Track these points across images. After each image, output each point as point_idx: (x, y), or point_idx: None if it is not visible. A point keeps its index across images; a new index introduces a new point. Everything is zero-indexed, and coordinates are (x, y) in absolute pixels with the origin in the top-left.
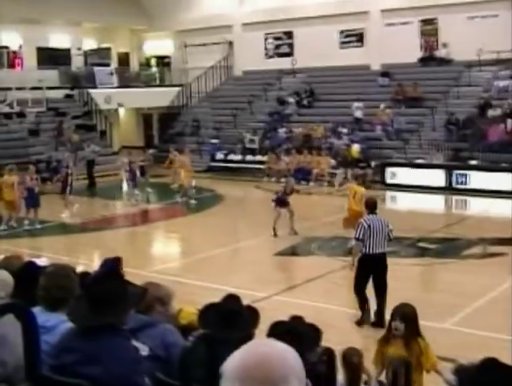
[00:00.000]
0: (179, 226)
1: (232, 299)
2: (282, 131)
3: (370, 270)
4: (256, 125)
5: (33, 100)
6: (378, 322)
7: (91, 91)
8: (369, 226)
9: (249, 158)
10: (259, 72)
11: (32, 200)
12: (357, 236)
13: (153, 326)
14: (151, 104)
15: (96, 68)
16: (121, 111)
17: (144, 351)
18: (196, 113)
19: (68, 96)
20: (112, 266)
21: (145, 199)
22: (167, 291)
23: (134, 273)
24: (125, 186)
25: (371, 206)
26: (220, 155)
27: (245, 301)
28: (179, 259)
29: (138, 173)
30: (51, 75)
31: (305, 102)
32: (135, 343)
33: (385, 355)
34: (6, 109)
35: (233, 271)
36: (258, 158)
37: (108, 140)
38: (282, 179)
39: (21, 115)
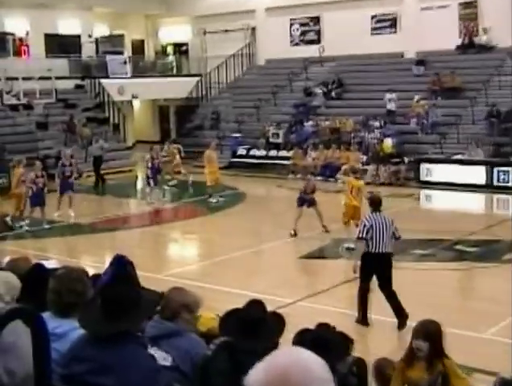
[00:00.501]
0: (197, 226)
1: (255, 305)
2: (308, 124)
3: (373, 269)
4: (280, 117)
5: (41, 91)
6: (402, 323)
7: (103, 81)
8: (372, 225)
9: (272, 153)
10: (284, 61)
11: (37, 199)
12: (360, 234)
13: (178, 334)
14: (168, 96)
15: (108, 57)
16: (136, 103)
17: (166, 360)
18: (216, 105)
19: (78, 87)
20: (123, 264)
21: (162, 198)
22: (195, 298)
23: (148, 277)
24: (143, 184)
25: (375, 203)
26: (241, 150)
27: (268, 308)
28: (198, 262)
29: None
30: (60, 65)
31: (333, 93)
32: (157, 352)
33: (407, 379)
34: (13, 101)
35: (256, 275)
36: (283, 153)
37: (121, 134)
38: (309, 176)
39: (28, 107)
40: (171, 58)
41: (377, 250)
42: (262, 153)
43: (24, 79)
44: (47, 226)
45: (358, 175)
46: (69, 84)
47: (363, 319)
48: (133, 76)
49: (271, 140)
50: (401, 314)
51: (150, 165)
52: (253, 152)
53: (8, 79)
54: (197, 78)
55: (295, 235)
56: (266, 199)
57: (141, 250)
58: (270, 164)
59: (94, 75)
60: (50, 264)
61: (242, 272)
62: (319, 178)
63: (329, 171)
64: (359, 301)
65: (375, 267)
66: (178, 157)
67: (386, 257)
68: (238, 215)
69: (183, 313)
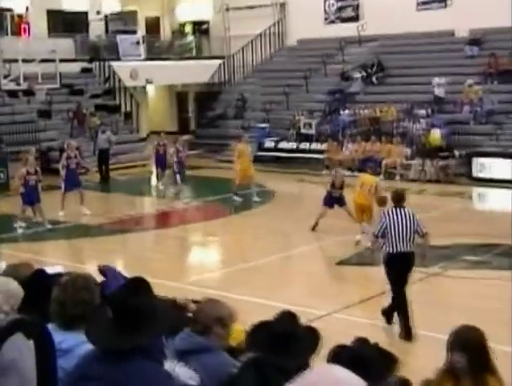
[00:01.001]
0: (220, 228)
1: (286, 317)
2: (345, 113)
3: (398, 269)
4: (313, 105)
5: (43, 75)
6: (388, 321)
7: (113, 64)
8: (390, 221)
9: (304, 146)
10: (318, 41)
11: (29, 197)
12: (376, 232)
13: (209, 351)
14: (187, 81)
15: (119, 37)
16: (150, 89)
17: (193, 380)
18: (241, 92)
19: (85, 71)
20: (114, 276)
21: (180, 195)
22: (229, 311)
23: (166, 285)
24: (163, 180)
25: (396, 198)
26: (269, 143)
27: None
28: (221, 268)
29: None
30: (65, 45)
31: (374, 78)
32: (183, 368)
33: None
34: (11, 86)
35: (285, 283)
36: (316, 146)
37: (134, 124)
38: (336, 169)
39: (29, 93)
40: (190, 38)
41: (396, 249)
42: (293, 145)
43: (24, 61)
44: (49, 226)
45: (372, 171)
46: (75, 67)
47: (406, 332)
48: (147, 59)
49: (303, 131)
50: (387, 316)
51: (175, 159)
52: (283, 144)
53: (6, 61)
54: (219, 61)
55: (314, 229)
56: (297, 197)
57: (157, 255)
58: (302, 158)
59: (103, 57)
60: (54, 270)
61: (270, 280)
62: (356, 173)
63: (368, 166)
64: (398, 312)
65: (399, 267)
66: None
67: (407, 257)
68: (266, 215)
69: (215, 327)
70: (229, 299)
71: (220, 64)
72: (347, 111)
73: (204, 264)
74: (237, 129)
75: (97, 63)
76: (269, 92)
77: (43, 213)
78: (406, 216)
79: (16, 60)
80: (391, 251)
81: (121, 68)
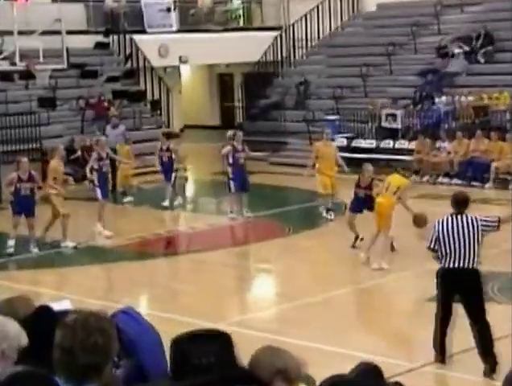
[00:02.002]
0: (274, 252)
1: (369, 372)
2: (441, 101)
3: (451, 290)
4: (399, 91)
5: (46, 52)
6: (490, 368)
7: (137, 38)
8: (444, 230)
9: (386, 144)
10: (404, 5)
11: (19, 206)
12: (429, 243)
13: None
14: (232, 60)
15: (144, 1)
16: (185, 70)
17: None
18: (303, 73)
19: (100, 46)
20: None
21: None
22: (295, 361)
23: (205, 327)
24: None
25: (457, 202)
26: (340, 140)
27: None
28: (275, 304)
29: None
30: (74, 13)
31: (480, 54)
32: None
33: None
34: (4, 66)
35: (359, 325)
36: (402, 144)
37: (163, 115)
38: (442, 179)
39: (27, 75)
40: (236, 3)
41: (452, 264)
42: (371, 143)
43: (21, 33)
44: (35, 250)
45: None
46: (87, 41)
47: (440, 355)
48: (180, 31)
49: (384, 124)
50: (488, 360)
51: (231, 160)
52: (358, 142)
53: None
54: (275, 33)
55: (354, 246)
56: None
57: (190, 286)
58: (383, 160)
59: (123, 28)
60: (60, 306)
61: (341, 320)
62: (456, 180)
63: (473, 171)
64: (434, 332)
65: (454, 288)
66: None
67: (468, 274)
68: (335, 235)
69: (276, 381)
70: (287, 344)
71: (275, 38)
72: (444, 98)
73: (252, 299)
74: (297, 123)
75: (116, 37)
76: (339, 73)
77: (33, 231)
78: (466, 225)
79: (11, 32)
80: (446, 265)
81: (147, 43)
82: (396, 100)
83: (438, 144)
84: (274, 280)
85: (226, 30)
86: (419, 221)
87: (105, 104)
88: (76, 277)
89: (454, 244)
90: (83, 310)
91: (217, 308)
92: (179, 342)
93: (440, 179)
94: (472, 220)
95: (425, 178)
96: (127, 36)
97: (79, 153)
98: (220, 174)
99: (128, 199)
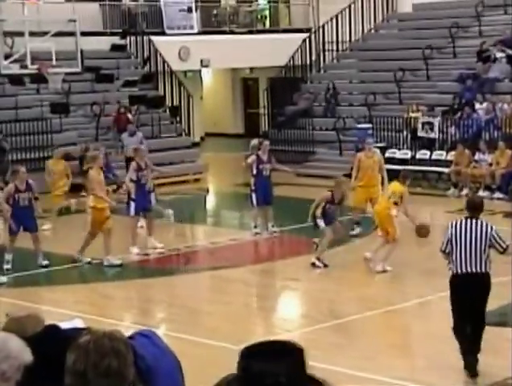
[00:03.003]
0: (302, 270)
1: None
2: (482, 108)
3: (463, 296)
4: (436, 98)
5: (58, 55)
6: (470, 373)
7: (155, 40)
8: (457, 233)
9: (422, 155)
10: (442, 6)
11: (18, 219)
12: (442, 247)
13: None
14: (257, 64)
15: (163, 1)
16: (207, 74)
17: None
18: (333, 78)
19: (116, 48)
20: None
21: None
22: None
23: (226, 349)
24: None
25: (471, 206)
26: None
27: None
28: (300, 327)
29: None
30: (89, 13)
31: None
32: None
33: None
34: (14, 69)
35: (394, 350)
36: (439, 155)
37: (183, 123)
38: (483, 193)
39: (38, 79)
40: (262, 3)
41: (461, 269)
42: (406, 154)
43: (32, 34)
44: (44, 262)
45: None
46: (103, 43)
47: (469, 369)
48: (202, 33)
49: (421, 134)
50: (470, 358)
51: (254, 171)
52: (392, 153)
53: (7, 34)
54: (303, 35)
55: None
56: (412, 227)
57: (214, 306)
58: (419, 172)
59: (142, 29)
60: (71, 324)
61: (372, 344)
62: (498, 194)
63: None
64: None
65: (466, 294)
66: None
67: (477, 279)
68: (366, 251)
69: None
70: (314, 370)
71: (303, 40)
72: (485, 105)
73: (277, 320)
74: (326, 131)
75: (133, 39)
76: (372, 78)
77: (39, 244)
78: (480, 230)
79: (21, 34)
80: (455, 270)
81: (167, 45)
82: (433, 107)
83: (478, 155)
84: (300, 300)
85: (251, 31)
86: (422, 231)
87: (128, 115)
88: (89, 294)
89: (465, 247)
90: (96, 330)
91: (240, 329)
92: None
93: (481, 193)
94: (485, 226)
95: (464, 192)
96: (145, 38)
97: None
98: (243, 186)
99: (46, 226)
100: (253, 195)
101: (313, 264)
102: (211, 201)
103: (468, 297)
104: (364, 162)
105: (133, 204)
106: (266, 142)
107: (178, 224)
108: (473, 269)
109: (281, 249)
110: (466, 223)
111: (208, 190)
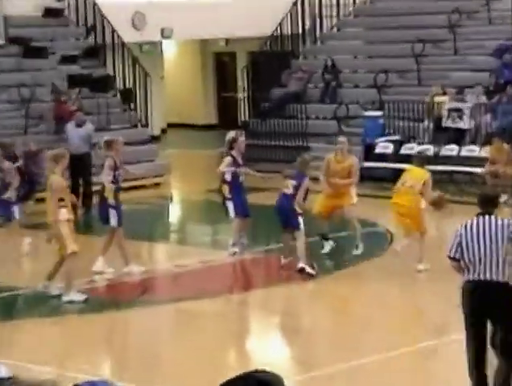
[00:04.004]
0: (292, 300)
1: None
2: None
3: (480, 309)
4: (466, 77)
5: None
6: None
7: (102, 2)
8: (468, 234)
9: (449, 150)
10: None
11: None
12: (450, 253)
13: None
14: (234, 34)
15: None
16: (169, 47)
17: None
18: (333, 52)
19: (51, 14)
20: None
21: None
22: None
23: None
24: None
25: (483, 201)
26: (384, 145)
27: None
28: (287, 376)
29: None
30: None
31: None
32: None
33: None
34: None
35: None
36: (471, 151)
37: (139, 110)
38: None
39: None
40: None
41: (477, 276)
42: (427, 150)
43: None
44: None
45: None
46: (33, 6)
47: None
48: None
49: (447, 123)
50: None
51: (229, 176)
52: (409, 148)
53: None
54: None
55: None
56: (436, 243)
57: (178, 348)
58: (445, 172)
59: None
60: None
61: None
62: None
63: None
64: (468, 366)
65: (481, 306)
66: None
67: (497, 289)
68: (380, 277)
69: None
70: None
71: (294, 3)
72: None
73: (259, 366)
74: (324, 121)
75: (73, 1)
76: (383, 52)
77: None
78: (495, 228)
79: None
80: (470, 277)
81: (116, 9)
82: (462, 89)
83: None
84: (289, 340)
85: None
86: (439, 202)
87: (71, 107)
88: (17, 334)
89: (479, 250)
90: (25, 379)
91: (211, 377)
92: None
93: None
94: (502, 224)
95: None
96: (89, 0)
97: (21, 161)
98: (216, 193)
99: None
100: (230, 204)
101: (302, 271)
102: (175, 212)
103: (480, 308)
104: (332, 168)
105: (114, 212)
106: (242, 138)
107: (131, 241)
108: (491, 276)
109: (266, 274)
110: (479, 222)
111: (171, 198)
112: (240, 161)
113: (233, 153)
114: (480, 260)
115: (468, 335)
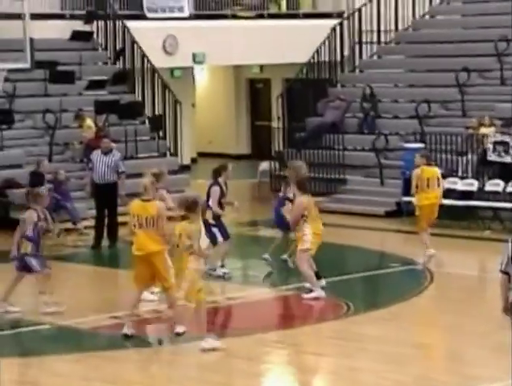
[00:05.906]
0: (322, 342)
1: None
2: None
3: None
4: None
5: (1, 44)
6: None
7: (132, 26)
8: None
9: (495, 186)
10: None
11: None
12: (501, 266)
13: None
14: (269, 60)
15: None
16: (200, 73)
17: None
18: (372, 81)
19: (78, 37)
20: None
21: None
22: None
23: None
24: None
25: None
26: None
27: None
28: None
29: None
30: None
31: None
32: None
33: None
34: None
35: None
36: None
37: (168, 138)
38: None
39: None
40: None
41: None
42: (471, 185)
43: None
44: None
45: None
46: (61, 30)
47: None
48: (195, 17)
49: (492, 157)
50: None
51: (215, 204)
52: (452, 183)
53: None
54: (332, 22)
55: None
56: (479, 285)
57: None
58: (489, 208)
59: (113, 12)
60: None
61: None
62: None
63: None
64: None
65: None
66: None
67: None
68: (415, 319)
69: None
70: None
71: (332, 29)
72: None
73: None
74: (362, 152)
75: (102, 24)
76: (425, 81)
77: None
78: None
79: None
80: None
81: (147, 34)
82: (509, 121)
83: None
84: (323, 378)
85: (261, 16)
86: None
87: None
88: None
89: None
90: None
91: None
92: None
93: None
94: None
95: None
96: (118, 23)
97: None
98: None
99: None
100: (217, 230)
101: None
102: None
103: None
104: (308, 207)
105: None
106: (230, 167)
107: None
108: None
109: (293, 313)
110: None
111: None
112: (225, 189)
113: (220, 180)
114: None
115: None
